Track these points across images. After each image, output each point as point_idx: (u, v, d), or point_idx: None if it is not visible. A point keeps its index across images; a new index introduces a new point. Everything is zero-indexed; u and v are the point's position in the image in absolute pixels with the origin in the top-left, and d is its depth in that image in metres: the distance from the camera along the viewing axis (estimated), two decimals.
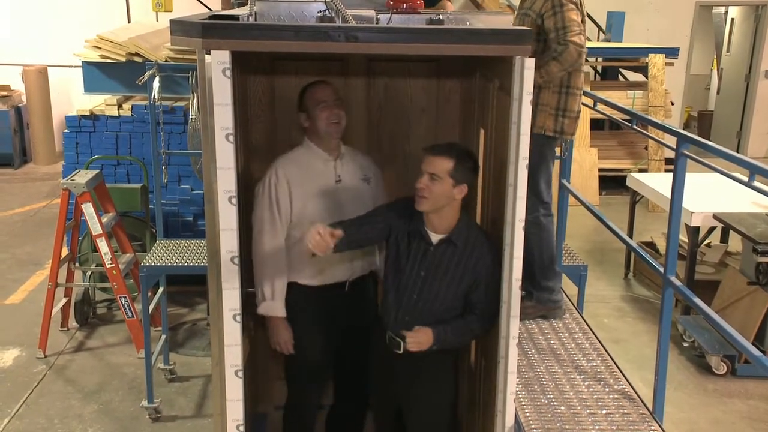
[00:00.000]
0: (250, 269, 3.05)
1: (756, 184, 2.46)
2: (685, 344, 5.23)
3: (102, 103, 5.94)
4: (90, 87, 6.00)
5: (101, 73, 5.92)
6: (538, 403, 2.84)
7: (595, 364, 3.13)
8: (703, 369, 4.97)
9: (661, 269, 2.95)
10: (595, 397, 2.89)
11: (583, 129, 8.73)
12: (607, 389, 2.94)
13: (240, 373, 2.43)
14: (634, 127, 3.51)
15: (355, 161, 3.18)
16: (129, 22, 9.61)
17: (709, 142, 2.75)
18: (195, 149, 4.95)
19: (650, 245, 6.65)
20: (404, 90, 3.50)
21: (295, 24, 2.54)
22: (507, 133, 2.42)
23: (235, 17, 2.47)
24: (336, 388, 3.44)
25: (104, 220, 4.91)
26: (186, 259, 4.32)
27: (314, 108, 3.00)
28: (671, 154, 2.92)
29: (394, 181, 3.55)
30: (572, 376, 3.03)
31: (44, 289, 5.15)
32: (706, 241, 6.02)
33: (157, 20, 8.64)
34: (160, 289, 4.76)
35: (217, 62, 2.18)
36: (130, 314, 4.87)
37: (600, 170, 8.86)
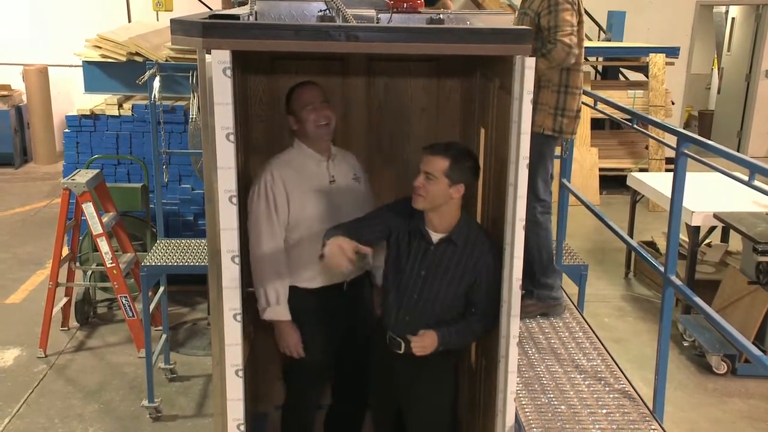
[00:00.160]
0: (250, 269, 3.05)
1: (756, 183, 2.46)
2: (686, 344, 5.23)
3: (102, 102, 5.94)
4: (90, 86, 6.00)
5: (102, 73, 5.92)
6: (539, 403, 2.84)
7: (595, 363, 3.13)
8: (703, 368, 4.97)
9: (662, 269, 2.95)
10: (595, 396, 2.89)
11: (583, 128, 8.73)
12: (607, 388, 2.94)
13: (240, 373, 2.43)
14: (635, 126, 3.51)
15: (346, 161, 3.18)
16: (129, 21, 9.62)
17: (710, 142, 2.75)
18: (195, 149, 4.95)
19: (651, 245, 6.65)
20: (404, 89, 3.50)
21: (296, 23, 2.54)
22: (507, 132, 2.42)
23: (236, 17, 2.47)
24: (335, 388, 3.44)
25: (105, 219, 4.92)
26: (186, 259, 4.32)
27: (301, 110, 2.98)
28: (672, 154, 2.92)
29: (394, 181, 3.56)
30: (573, 376, 3.03)
31: (45, 288, 5.15)
32: (707, 241, 6.02)
33: (158, 20, 8.64)
34: (161, 289, 4.76)
35: (218, 62, 2.18)
36: (130, 314, 4.87)
37: (600, 170, 8.85)
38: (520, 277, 2.48)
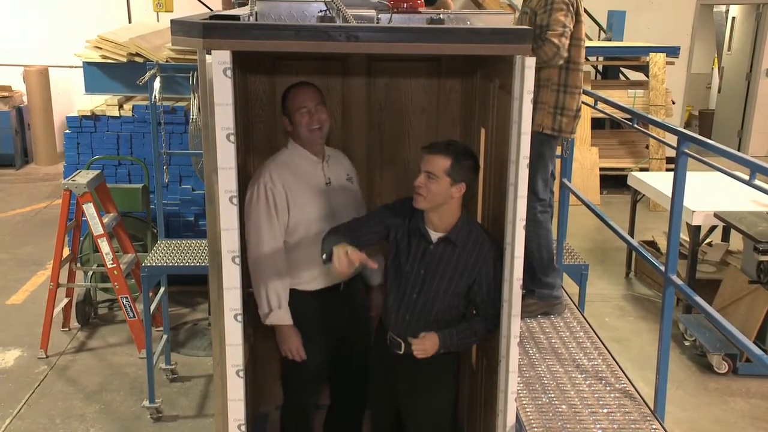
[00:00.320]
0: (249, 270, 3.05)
1: (757, 182, 2.46)
2: (687, 343, 5.23)
3: (103, 103, 5.94)
4: (91, 87, 6.00)
5: (102, 74, 5.93)
6: (540, 402, 2.84)
7: (596, 363, 3.13)
8: (704, 368, 4.97)
9: (662, 268, 2.94)
10: (596, 396, 2.89)
11: (584, 128, 8.73)
12: (608, 388, 2.94)
13: (241, 373, 2.43)
14: (635, 126, 3.51)
15: (339, 162, 3.18)
16: (130, 22, 9.62)
17: (710, 141, 2.75)
18: (196, 149, 4.95)
19: (651, 244, 6.65)
20: (405, 89, 3.50)
21: (296, 24, 2.54)
22: (508, 132, 2.43)
23: (236, 17, 2.47)
24: (333, 388, 3.43)
25: (105, 220, 4.92)
26: (187, 259, 4.32)
27: (294, 113, 2.97)
28: (672, 153, 2.93)
29: (394, 181, 3.56)
30: (573, 375, 3.03)
31: (45, 289, 5.15)
32: (707, 240, 6.02)
33: (158, 20, 8.64)
34: (162, 289, 4.76)
35: (218, 62, 2.19)
36: (131, 314, 4.87)
37: (601, 169, 8.85)
38: (521, 276, 2.48)
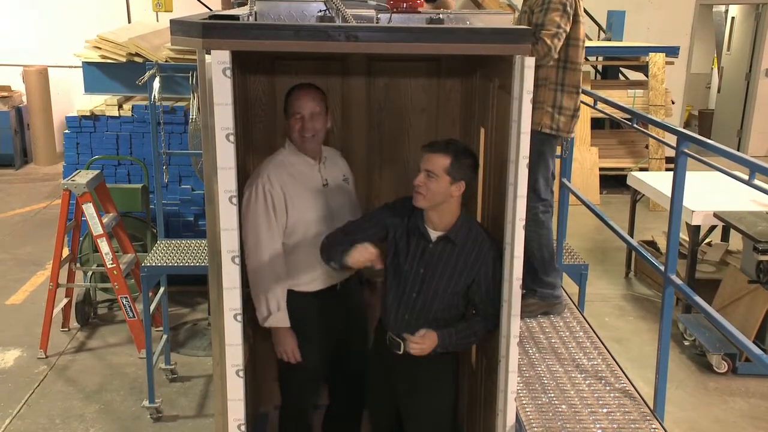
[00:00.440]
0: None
1: (756, 182, 2.46)
2: (686, 343, 5.23)
3: (102, 103, 5.94)
4: (90, 87, 6.00)
5: (101, 74, 5.93)
6: (539, 402, 2.84)
7: (596, 362, 3.13)
8: (704, 367, 4.97)
9: (662, 268, 2.95)
10: (596, 395, 2.89)
11: (583, 128, 8.73)
12: (608, 388, 2.95)
13: (241, 373, 2.43)
14: (635, 126, 3.51)
15: (335, 163, 3.17)
16: (129, 22, 9.63)
17: (710, 141, 2.75)
18: (195, 149, 4.95)
19: (651, 244, 6.65)
20: (404, 89, 3.50)
21: (295, 24, 2.54)
22: (507, 131, 2.43)
23: (236, 17, 2.47)
24: (332, 388, 3.43)
25: (105, 220, 4.92)
26: (187, 259, 4.32)
27: (290, 117, 2.96)
28: (672, 153, 2.92)
29: (394, 181, 3.56)
30: (573, 375, 3.03)
31: (45, 289, 5.15)
32: (707, 240, 6.02)
33: (158, 20, 8.64)
34: (161, 289, 4.76)
35: (218, 62, 2.18)
36: (131, 314, 4.87)
37: (601, 169, 8.85)
38: (521, 276, 2.48)
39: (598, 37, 10.03)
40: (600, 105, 4.14)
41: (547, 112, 3.27)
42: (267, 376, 3.64)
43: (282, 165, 3.01)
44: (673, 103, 9.25)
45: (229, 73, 2.19)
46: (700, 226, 5.31)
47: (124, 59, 5.77)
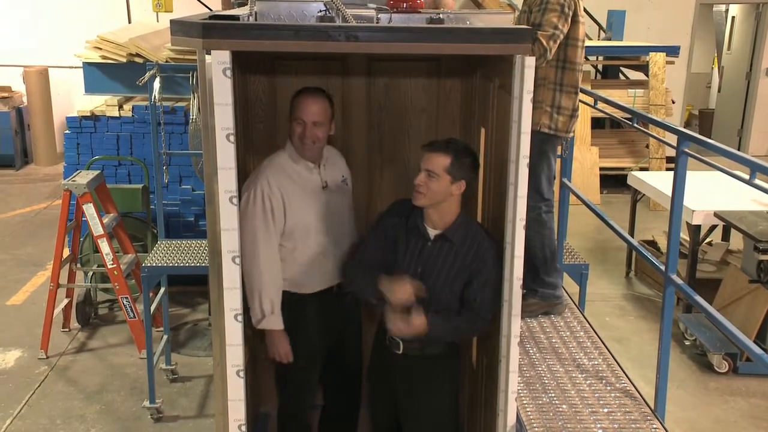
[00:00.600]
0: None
1: (757, 182, 2.46)
2: (687, 342, 5.23)
3: (103, 103, 5.94)
4: (91, 88, 6.01)
5: (102, 74, 5.93)
6: (540, 402, 2.84)
7: (596, 362, 3.13)
8: (704, 367, 4.97)
9: (663, 267, 2.95)
10: (596, 395, 2.89)
11: (584, 128, 8.73)
12: (608, 388, 2.94)
13: (242, 373, 2.43)
14: (635, 125, 3.51)
15: (335, 163, 3.17)
16: (129, 22, 9.63)
17: (710, 140, 2.75)
18: (196, 149, 4.95)
19: (651, 244, 6.65)
20: (404, 89, 3.50)
21: (295, 24, 2.54)
22: (507, 131, 2.42)
23: (236, 17, 2.47)
24: (328, 389, 3.42)
25: (105, 220, 4.92)
26: (187, 260, 4.32)
27: (292, 121, 2.96)
28: (672, 153, 2.92)
29: (394, 180, 3.56)
30: (574, 375, 3.03)
31: (46, 290, 5.15)
32: (708, 240, 6.02)
33: (158, 20, 8.64)
34: (162, 290, 4.76)
35: (218, 62, 2.19)
36: (131, 315, 4.87)
37: (601, 169, 8.85)
38: (521, 276, 2.48)
39: (599, 36, 10.02)
40: (600, 104, 4.14)
41: (545, 112, 3.28)
42: (267, 376, 3.64)
43: (281, 167, 3.00)
44: (673, 102, 9.25)
45: (229, 73, 2.20)
46: (700, 225, 5.31)
47: (124, 60, 5.77)
